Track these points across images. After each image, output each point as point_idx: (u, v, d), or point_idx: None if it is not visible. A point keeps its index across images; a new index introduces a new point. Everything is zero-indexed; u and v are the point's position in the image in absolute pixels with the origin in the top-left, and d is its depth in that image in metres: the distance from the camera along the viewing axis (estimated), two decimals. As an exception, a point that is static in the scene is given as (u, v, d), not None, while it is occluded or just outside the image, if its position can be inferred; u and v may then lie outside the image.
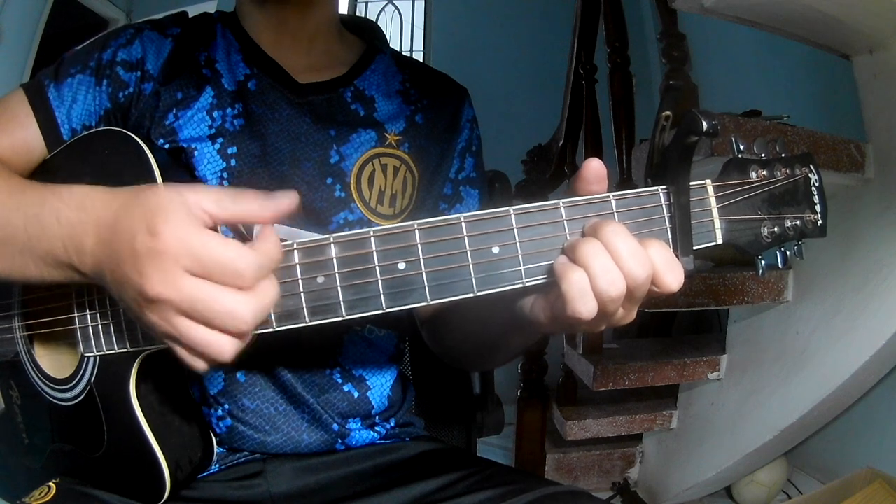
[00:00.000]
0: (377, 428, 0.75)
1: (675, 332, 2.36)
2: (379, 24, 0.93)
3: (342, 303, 0.46)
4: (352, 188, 0.70)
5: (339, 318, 0.46)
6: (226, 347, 0.42)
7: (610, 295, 0.43)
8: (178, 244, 0.41)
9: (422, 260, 0.45)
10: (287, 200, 0.45)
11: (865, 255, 1.38)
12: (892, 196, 1.33)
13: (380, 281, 0.46)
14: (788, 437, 1.60)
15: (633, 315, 0.47)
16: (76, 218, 0.47)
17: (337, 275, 0.46)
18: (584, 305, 0.43)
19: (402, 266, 0.45)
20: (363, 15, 3.83)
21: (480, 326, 0.63)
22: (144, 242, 0.41)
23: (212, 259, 0.41)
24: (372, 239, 0.45)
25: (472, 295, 0.46)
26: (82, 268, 0.48)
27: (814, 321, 1.50)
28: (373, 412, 0.75)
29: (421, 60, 0.96)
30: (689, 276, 0.46)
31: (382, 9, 3.89)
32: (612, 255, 0.43)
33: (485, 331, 0.63)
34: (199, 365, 0.44)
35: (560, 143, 2.20)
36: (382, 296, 0.46)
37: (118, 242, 0.43)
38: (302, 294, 0.46)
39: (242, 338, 0.43)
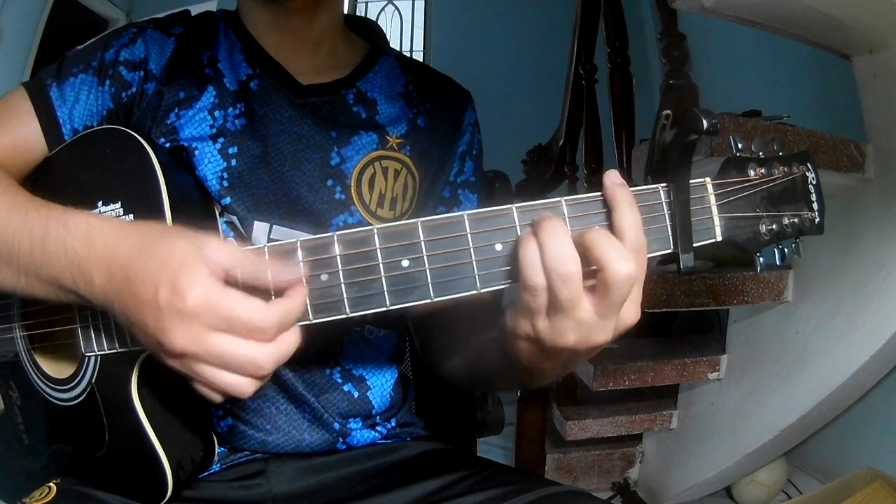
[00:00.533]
0: (378, 428, 0.75)
1: (675, 332, 2.36)
2: (379, 24, 0.92)
3: (346, 300, 0.46)
4: (352, 191, 0.70)
5: (343, 316, 0.47)
6: (246, 388, 0.45)
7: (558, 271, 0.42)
8: (205, 306, 0.42)
9: (425, 257, 0.45)
10: (297, 276, 0.45)
11: (865, 255, 1.37)
12: (892, 196, 1.33)
13: (383, 278, 0.46)
14: (788, 437, 1.59)
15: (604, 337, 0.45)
16: (83, 252, 0.47)
17: (341, 272, 0.46)
18: (535, 273, 0.42)
19: (405, 263, 0.45)
20: (363, 15, 3.83)
21: (470, 330, 0.62)
22: (170, 301, 0.42)
23: (236, 318, 0.43)
24: (375, 236, 0.46)
25: (475, 292, 0.46)
26: (90, 297, 0.48)
27: (814, 321, 1.50)
28: (373, 412, 0.75)
29: (421, 60, 0.95)
30: (689, 273, 0.46)
31: (382, 9, 3.90)
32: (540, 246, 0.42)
33: (473, 334, 0.61)
34: (216, 398, 0.46)
35: (560, 143, 2.20)
36: (386, 293, 0.46)
37: (136, 291, 0.44)
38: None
39: (262, 380, 0.45)
